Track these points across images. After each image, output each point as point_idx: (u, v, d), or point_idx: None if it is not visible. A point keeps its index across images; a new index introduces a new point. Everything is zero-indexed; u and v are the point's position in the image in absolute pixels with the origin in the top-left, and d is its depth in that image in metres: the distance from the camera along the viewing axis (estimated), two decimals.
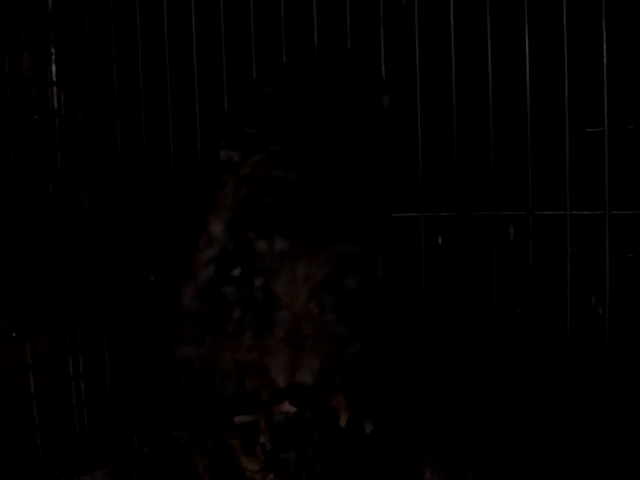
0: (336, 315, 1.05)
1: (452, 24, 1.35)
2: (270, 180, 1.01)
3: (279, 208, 1.00)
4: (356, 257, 1.04)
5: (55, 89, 1.55)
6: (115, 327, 1.58)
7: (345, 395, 1.12)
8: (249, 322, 1.02)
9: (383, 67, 1.38)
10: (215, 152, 1.06)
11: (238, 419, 1.12)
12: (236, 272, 1.00)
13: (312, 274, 1.01)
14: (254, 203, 1.01)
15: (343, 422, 1.10)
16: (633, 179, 1.37)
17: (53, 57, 1.54)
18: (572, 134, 1.31)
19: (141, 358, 1.57)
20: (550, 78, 1.35)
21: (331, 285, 1.03)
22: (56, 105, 1.55)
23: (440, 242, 1.51)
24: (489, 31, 1.34)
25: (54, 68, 1.54)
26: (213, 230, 1.02)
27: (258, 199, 1.01)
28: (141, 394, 1.58)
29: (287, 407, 1.13)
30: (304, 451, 1.10)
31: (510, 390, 1.39)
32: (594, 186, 1.32)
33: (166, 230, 1.11)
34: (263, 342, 1.05)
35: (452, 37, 1.36)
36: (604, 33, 1.27)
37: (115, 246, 1.58)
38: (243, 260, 1.00)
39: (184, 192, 1.09)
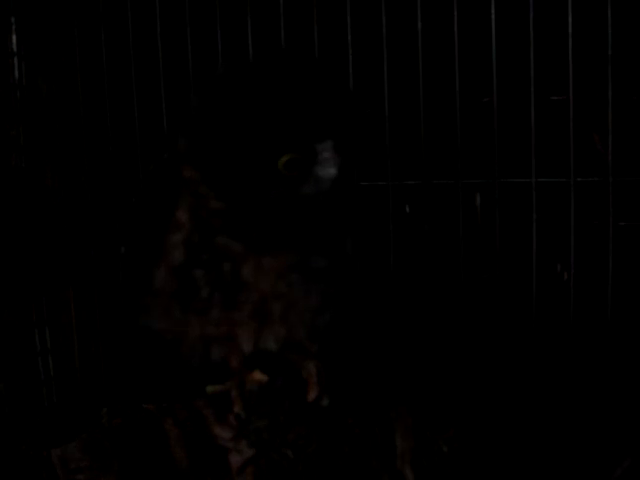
0: (304, 290, 1.07)
1: None
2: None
3: (229, 218, 1.02)
4: (321, 242, 1.07)
5: (16, 60, 1.52)
6: (82, 300, 1.57)
7: (316, 363, 1.13)
8: (216, 300, 1.05)
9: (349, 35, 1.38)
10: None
11: (210, 388, 1.12)
12: (204, 257, 1.03)
13: (278, 263, 1.04)
14: (204, 208, 1.03)
15: (311, 397, 1.12)
16: (597, 146, 1.38)
17: (13, 27, 1.51)
18: (537, 102, 1.32)
19: (109, 330, 1.57)
20: (516, 46, 1.36)
21: (297, 268, 1.05)
22: (17, 76, 1.52)
23: (408, 211, 1.51)
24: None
25: (15, 38, 1.51)
26: (179, 217, 1.04)
27: (207, 206, 1.03)
28: (110, 366, 1.57)
29: (259, 376, 1.13)
30: (276, 419, 1.11)
31: (478, 355, 1.41)
32: (559, 154, 1.33)
33: (134, 207, 1.11)
34: (230, 317, 1.06)
35: (419, 5, 1.35)
36: (569, 1, 1.28)
37: (80, 218, 1.56)
38: (209, 249, 1.03)
39: (150, 171, 1.09)
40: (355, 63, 1.38)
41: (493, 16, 1.32)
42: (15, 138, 1.54)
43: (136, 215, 1.11)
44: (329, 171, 0.99)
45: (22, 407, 1.49)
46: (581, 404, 1.35)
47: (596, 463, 1.26)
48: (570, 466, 1.26)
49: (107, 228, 1.53)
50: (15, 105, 1.53)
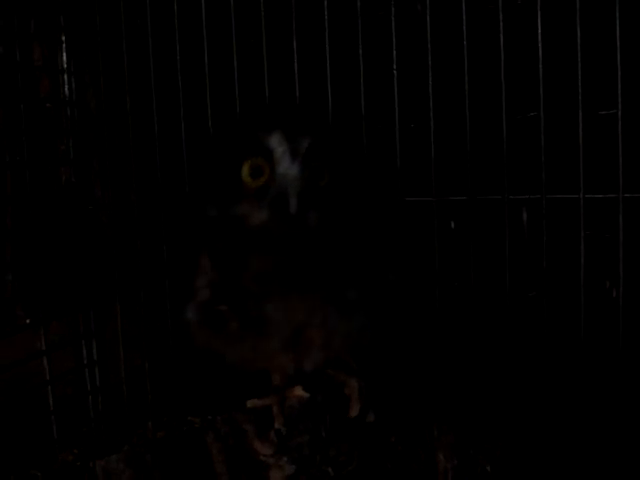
0: (341, 321, 1.05)
1: (464, 7, 1.35)
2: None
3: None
4: (351, 273, 1.05)
5: (66, 77, 1.55)
6: (128, 314, 1.59)
7: (358, 381, 1.13)
8: (248, 333, 1.05)
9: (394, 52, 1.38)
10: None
11: (250, 403, 1.12)
12: (228, 295, 1.04)
13: (307, 300, 1.03)
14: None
15: (354, 412, 1.11)
16: None
17: (63, 45, 1.54)
18: (585, 117, 1.30)
19: (154, 344, 1.58)
20: (563, 60, 1.34)
21: (333, 301, 1.04)
22: (67, 93, 1.55)
23: (453, 226, 1.50)
24: (501, 14, 1.32)
25: (65, 56, 1.54)
26: (203, 263, 1.06)
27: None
28: (155, 380, 1.58)
29: (300, 392, 1.13)
30: (317, 435, 1.10)
31: (524, 374, 1.39)
32: (608, 169, 1.31)
33: (177, 220, 1.13)
34: (264, 348, 1.07)
35: (464, 19, 1.35)
36: (617, 15, 1.26)
37: (127, 232, 1.58)
38: (232, 289, 1.03)
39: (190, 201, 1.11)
40: (400, 79, 1.38)
41: (539, 30, 1.30)
42: (65, 153, 1.57)
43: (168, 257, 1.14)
44: (288, 167, 0.96)
45: (69, 417, 1.51)
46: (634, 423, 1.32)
47: None
48: None
49: (154, 242, 1.54)
50: (65, 121, 1.56)
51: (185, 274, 1.08)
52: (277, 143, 0.96)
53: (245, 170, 0.98)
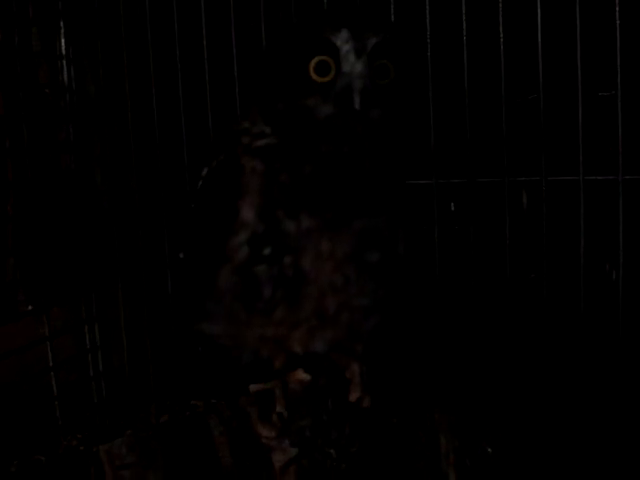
0: (358, 287, 1.06)
1: None
2: (283, 157, 1.04)
3: (297, 185, 1.02)
4: (377, 231, 1.06)
5: (65, 63, 1.54)
6: (130, 298, 1.59)
7: (360, 365, 1.13)
8: (280, 298, 1.05)
9: None
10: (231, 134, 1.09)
11: (253, 387, 1.13)
12: (267, 251, 1.04)
13: (335, 249, 1.04)
14: (273, 182, 1.03)
15: (353, 397, 1.12)
16: None
17: (62, 31, 1.53)
18: (585, 98, 1.30)
19: (157, 328, 1.58)
20: (562, 42, 1.34)
21: (354, 258, 1.05)
22: (66, 79, 1.55)
23: (453, 209, 1.50)
24: None
25: (63, 42, 1.54)
26: (244, 215, 1.04)
27: (275, 177, 1.03)
28: (158, 364, 1.59)
29: (302, 375, 1.14)
30: (319, 418, 1.11)
31: (524, 356, 1.39)
32: (608, 151, 1.31)
33: (194, 212, 1.12)
34: (292, 316, 1.07)
35: (463, 4, 1.34)
36: None
37: (128, 217, 1.58)
38: (273, 240, 1.04)
39: (213, 177, 1.10)
40: None
41: (539, 12, 1.30)
42: (65, 139, 1.57)
43: (197, 220, 1.12)
44: (353, 65, 0.99)
45: (73, 402, 1.52)
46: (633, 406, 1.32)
47: None
48: None
49: (155, 227, 1.55)
50: (64, 107, 1.56)
51: (218, 235, 1.06)
52: (343, 41, 0.99)
53: (312, 67, 1.01)
